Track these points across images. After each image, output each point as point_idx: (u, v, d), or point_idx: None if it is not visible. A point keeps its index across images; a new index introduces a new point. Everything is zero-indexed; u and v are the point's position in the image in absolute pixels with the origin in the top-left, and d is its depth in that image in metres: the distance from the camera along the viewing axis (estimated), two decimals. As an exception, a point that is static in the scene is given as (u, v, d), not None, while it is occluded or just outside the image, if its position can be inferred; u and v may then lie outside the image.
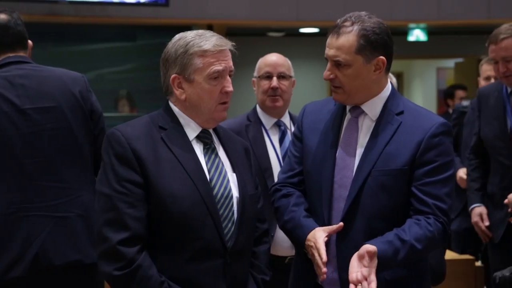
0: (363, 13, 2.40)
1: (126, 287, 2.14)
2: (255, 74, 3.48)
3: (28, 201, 2.77)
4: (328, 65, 2.40)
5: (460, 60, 11.18)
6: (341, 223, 2.32)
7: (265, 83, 3.41)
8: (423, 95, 12.19)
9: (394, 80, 3.84)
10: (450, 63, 11.55)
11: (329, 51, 2.38)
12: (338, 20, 2.41)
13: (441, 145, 2.34)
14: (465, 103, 5.00)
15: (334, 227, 2.33)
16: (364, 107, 2.42)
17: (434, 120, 2.37)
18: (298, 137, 2.55)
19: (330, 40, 2.39)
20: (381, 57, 2.38)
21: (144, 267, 2.13)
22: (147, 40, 8.39)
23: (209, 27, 7.80)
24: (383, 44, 2.38)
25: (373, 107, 2.41)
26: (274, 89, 3.39)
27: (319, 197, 2.41)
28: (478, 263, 4.43)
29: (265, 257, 2.45)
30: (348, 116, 2.45)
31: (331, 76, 2.39)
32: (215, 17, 7.95)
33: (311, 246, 2.32)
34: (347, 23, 2.37)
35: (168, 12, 7.60)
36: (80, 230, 2.81)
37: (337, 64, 2.37)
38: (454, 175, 2.40)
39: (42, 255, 2.75)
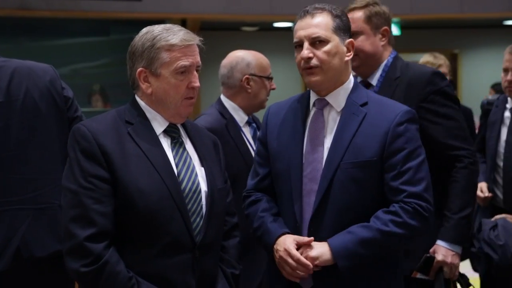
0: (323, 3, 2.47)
1: (93, 283, 2.12)
2: (258, 72, 3.32)
3: (7, 195, 2.75)
4: (305, 45, 2.39)
5: (433, 54, 11.20)
6: (312, 238, 2.33)
7: (268, 84, 3.35)
8: (397, 89, 12.24)
9: None
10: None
11: (305, 31, 2.40)
12: (305, 8, 2.44)
13: (408, 132, 2.36)
14: (491, 97, 4.65)
15: (304, 239, 2.33)
16: (329, 98, 2.43)
17: (399, 109, 2.40)
18: (262, 141, 2.55)
19: (304, 21, 2.41)
20: (351, 39, 2.45)
21: (112, 263, 2.12)
22: (120, 35, 8.33)
23: (183, 22, 7.78)
24: (350, 28, 2.47)
25: (338, 98, 2.43)
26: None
27: (290, 193, 2.41)
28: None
29: (235, 251, 2.44)
30: (313, 110, 2.46)
31: (310, 55, 2.38)
32: (189, 11, 7.93)
33: (279, 251, 2.34)
34: (318, 8, 2.42)
35: (141, 6, 7.57)
36: None
37: (315, 43, 2.39)
38: (425, 160, 2.39)
39: (24, 247, 2.73)
